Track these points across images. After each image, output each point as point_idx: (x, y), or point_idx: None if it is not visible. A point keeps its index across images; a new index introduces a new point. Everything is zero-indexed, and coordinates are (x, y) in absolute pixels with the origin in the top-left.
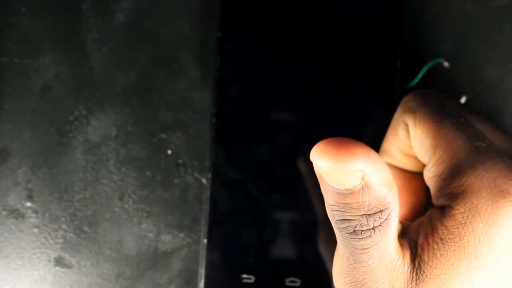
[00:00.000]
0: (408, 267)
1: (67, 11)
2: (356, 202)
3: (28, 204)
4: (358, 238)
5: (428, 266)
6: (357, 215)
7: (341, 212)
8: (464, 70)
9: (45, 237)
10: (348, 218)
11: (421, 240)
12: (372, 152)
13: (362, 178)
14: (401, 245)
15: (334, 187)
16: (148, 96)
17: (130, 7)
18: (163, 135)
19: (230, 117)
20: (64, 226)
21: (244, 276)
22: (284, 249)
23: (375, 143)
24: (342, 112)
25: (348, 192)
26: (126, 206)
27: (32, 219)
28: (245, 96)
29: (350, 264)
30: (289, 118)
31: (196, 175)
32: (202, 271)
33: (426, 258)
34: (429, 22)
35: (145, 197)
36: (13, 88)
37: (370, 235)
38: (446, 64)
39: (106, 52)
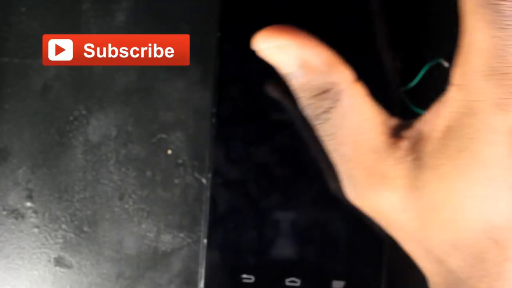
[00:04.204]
0: (404, 157)
1: (67, 11)
2: (303, 84)
3: (28, 204)
4: (319, 123)
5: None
6: (309, 98)
7: (300, 99)
8: None
9: (45, 237)
10: (305, 102)
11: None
12: (304, 33)
13: (297, 59)
14: (398, 137)
15: (282, 71)
16: (148, 96)
17: (130, 7)
18: (163, 135)
19: (230, 117)
20: (64, 226)
21: (244, 276)
22: (284, 249)
23: None
24: None
25: (292, 75)
26: (126, 206)
27: (32, 219)
28: (245, 96)
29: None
30: (289, 118)
31: (196, 175)
32: (202, 271)
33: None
34: (429, 22)
35: (145, 197)
36: (13, 88)
37: (328, 118)
38: (446, 64)
39: None
